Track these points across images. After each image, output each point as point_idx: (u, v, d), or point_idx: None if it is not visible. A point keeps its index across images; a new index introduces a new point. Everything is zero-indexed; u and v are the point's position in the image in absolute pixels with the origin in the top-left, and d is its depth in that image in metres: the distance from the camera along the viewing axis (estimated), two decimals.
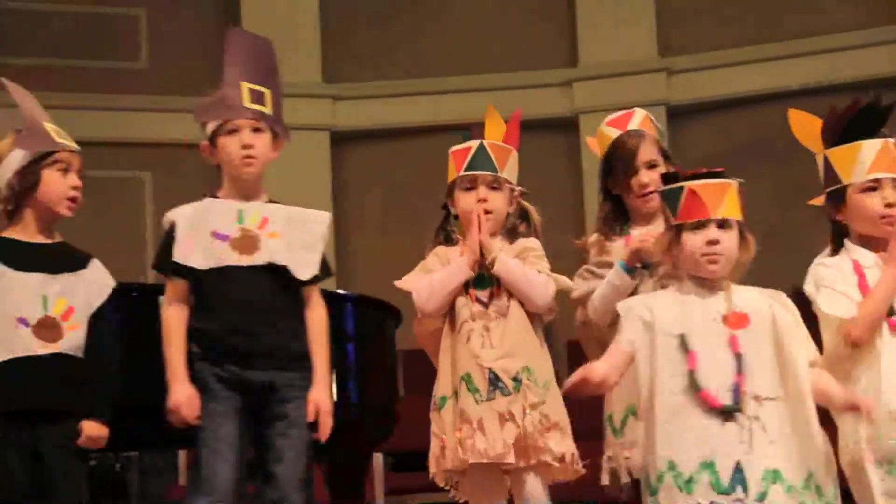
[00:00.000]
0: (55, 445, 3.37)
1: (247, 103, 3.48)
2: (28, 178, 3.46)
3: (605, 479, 3.68)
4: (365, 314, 4.35)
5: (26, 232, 3.47)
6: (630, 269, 3.62)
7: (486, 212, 3.69)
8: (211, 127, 3.52)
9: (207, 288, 3.45)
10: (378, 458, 5.46)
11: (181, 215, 3.49)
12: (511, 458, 3.52)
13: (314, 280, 3.55)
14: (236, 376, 3.41)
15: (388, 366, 4.45)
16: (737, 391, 3.02)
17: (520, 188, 3.76)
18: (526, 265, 3.64)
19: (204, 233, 3.45)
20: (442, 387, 3.65)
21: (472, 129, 3.83)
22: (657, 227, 3.55)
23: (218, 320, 3.43)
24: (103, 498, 6.14)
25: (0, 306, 3.35)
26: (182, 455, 6.33)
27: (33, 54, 7.78)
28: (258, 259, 3.45)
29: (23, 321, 3.35)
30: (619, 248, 3.72)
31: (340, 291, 4.47)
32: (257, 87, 3.53)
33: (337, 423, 4.19)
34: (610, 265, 3.68)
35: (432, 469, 3.71)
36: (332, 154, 8.23)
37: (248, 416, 3.43)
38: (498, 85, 8.08)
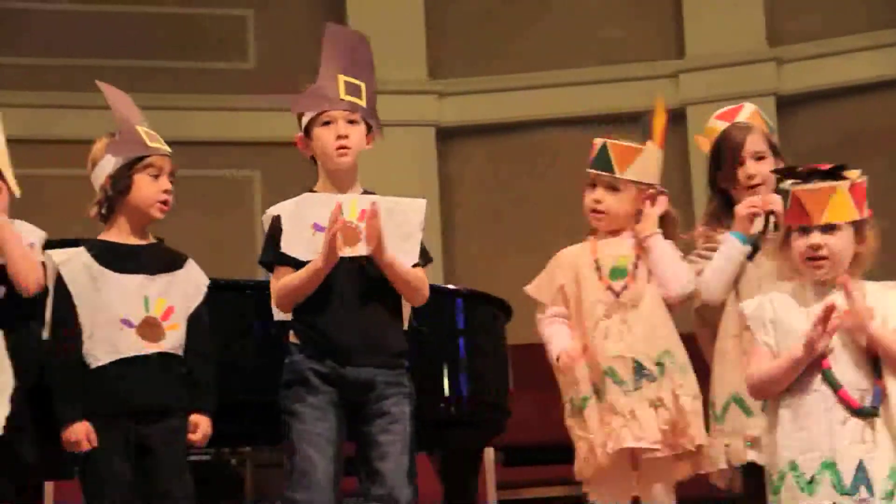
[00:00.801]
0: (164, 442, 3.41)
1: (343, 95, 3.51)
2: (120, 183, 3.52)
3: (709, 468, 3.67)
4: (475, 309, 4.34)
5: (122, 234, 3.52)
6: (744, 239, 3.62)
7: (600, 212, 3.75)
8: (306, 119, 3.55)
9: None
10: (489, 453, 5.46)
11: (283, 209, 3.52)
12: (662, 448, 3.56)
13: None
14: (334, 371, 3.42)
15: (498, 360, 4.44)
16: (878, 394, 2.99)
17: (652, 187, 3.75)
18: None
19: (305, 226, 3.47)
20: (582, 387, 3.66)
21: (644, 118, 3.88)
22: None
23: (318, 314, 3.44)
24: (219, 494, 6.21)
25: (103, 308, 3.39)
26: None
27: (142, 56, 7.89)
28: (360, 250, 3.46)
29: (127, 322, 3.40)
30: (724, 238, 3.71)
31: (451, 286, 4.46)
32: (353, 80, 3.54)
33: (449, 417, 4.22)
34: (716, 250, 3.68)
35: (581, 472, 3.73)
36: (438, 150, 8.23)
37: (346, 411, 3.44)
38: (604, 78, 8.04)
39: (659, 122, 3.88)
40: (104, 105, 3.64)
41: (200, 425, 3.47)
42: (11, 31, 7.95)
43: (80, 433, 3.37)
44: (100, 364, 3.39)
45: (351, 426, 3.46)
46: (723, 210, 3.80)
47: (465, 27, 8.33)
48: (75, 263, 3.42)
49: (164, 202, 3.50)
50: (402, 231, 3.52)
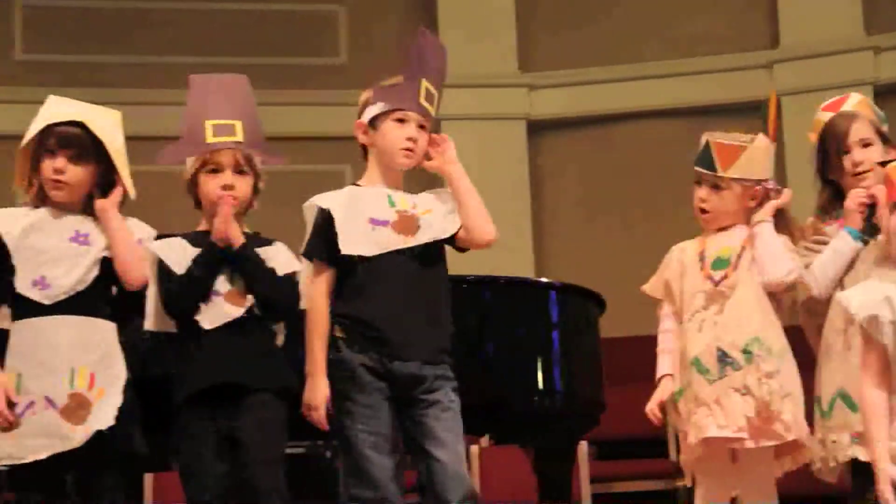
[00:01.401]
0: (254, 435, 3.40)
1: (422, 100, 3.52)
2: (191, 184, 3.55)
3: (815, 464, 3.63)
4: (569, 302, 4.33)
5: (212, 225, 3.54)
6: (855, 234, 3.59)
7: (704, 211, 3.75)
8: (376, 110, 3.53)
9: (363, 275, 3.45)
10: (582, 447, 5.45)
11: (334, 203, 3.50)
12: (748, 439, 3.54)
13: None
14: (383, 366, 3.41)
15: (592, 354, 4.43)
16: None
17: (762, 184, 3.72)
18: None
19: (360, 220, 3.47)
20: (677, 381, 3.68)
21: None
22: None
23: (365, 308, 3.43)
24: (312, 487, 6.25)
25: None
26: None
27: (236, 53, 7.97)
28: (421, 237, 3.47)
29: (215, 293, 3.43)
30: (833, 232, 3.68)
31: (545, 280, 4.45)
32: (432, 89, 3.55)
33: (543, 411, 4.22)
34: (825, 244, 3.65)
35: (684, 465, 3.75)
36: (529, 143, 8.22)
37: (396, 404, 3.43)
38: (696, 69, 7.98)
39: (771, 116, 3.84)
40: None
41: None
42: (118, 31, 8.09)
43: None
44: (189, 338, 3.43)
45: (402, 417, 3.44)
46: (833, 202, 3.76)
47: (556, 19, 8.31)
48: (172, 247, 3.48)
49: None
50: (451, 208, 3.52)
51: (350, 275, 3.47)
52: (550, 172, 8.27)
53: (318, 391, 3.38)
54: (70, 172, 3.44)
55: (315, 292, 3.46)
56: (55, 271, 3.38)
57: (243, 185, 3.50)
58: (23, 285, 3.37)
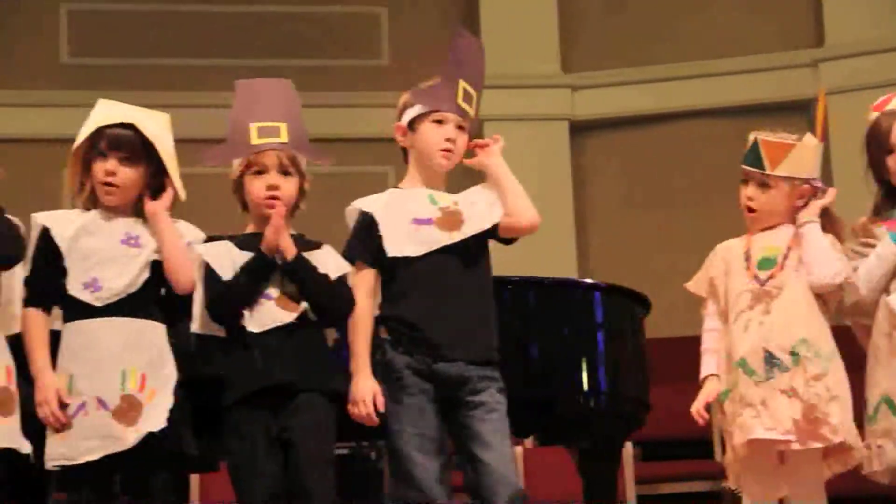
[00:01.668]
0: (306, 436, 3.40)
1: (460, 101, 3.54)
2: (237, 186, 3.57)
3: (865, 467, 3.61)
4: (614, 303, 4.31)
5: (257, 227, 3.55)
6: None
7: (751, 209, 3.73)
8: (414, 112, 3.56)
9: (407, 276, 3.47)
10: (628, 448, 5.44)
11: (376, 206, 3.53)
12: (794, 441, 3.52)
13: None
14: (427, 367, 3.42)
15: (637, 354, 4.42)
16: None
17: (810, 182, 3.70)
18: None
19: (404, 221, 3.49)
20: (722, 382, 3.68)
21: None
22: None
23: (410, 309, 3.45)
24: (357, 487, 6.26)
25: None
26: None
27: (278, 55, 8.01)
28: (467, 231, 3.49)
29: (266, 296, 3.44)
30: (881, 234, 3.67)
31: (589, 281, 4.44)
32: (470, 90, 3.58)
33: (588, 412, 4.20)
34: (872, 246, 3.64)
35: (729, 467, 3.74)
36: (571, 143, 8.21)
37: (442, 406, 3.44)
38: (740, 68, 7.95)
39: (820, 114, 3.83)
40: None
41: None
42: (163, 34, 8.14)
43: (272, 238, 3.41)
44: (239, 339, 3.42)
45: (449, 419, 3.45)
46: (885, 202, 3.74)
47: (598, 20, 8.30)
48: (218, 250, 3.49)
49: (270, 198, 3.51)
50: (491, 199, 3.55)
51: (394, 276, 3.49)
52: (593, 173, 8.25)
53: (362, 386, 3.39)
54: (121, 174, 3.45)
55: (357, 293, 3.48)
56: (106, 273, 3.40)
57: (288, 186, 3.51)
58: (74, 287, 3.39)
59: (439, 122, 3.52)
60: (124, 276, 3.40)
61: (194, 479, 5.61)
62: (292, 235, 3.55)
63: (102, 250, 3.42)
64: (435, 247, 3.48)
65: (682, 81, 8.04)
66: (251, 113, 3.57)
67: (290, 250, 3.44)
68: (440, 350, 3.43)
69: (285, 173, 3.51)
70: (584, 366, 4.19)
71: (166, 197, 3.48)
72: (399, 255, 3.46)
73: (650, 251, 7.70)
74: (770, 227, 3.75)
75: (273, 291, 3.44)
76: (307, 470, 3.37)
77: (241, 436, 3.39)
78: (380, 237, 3.47)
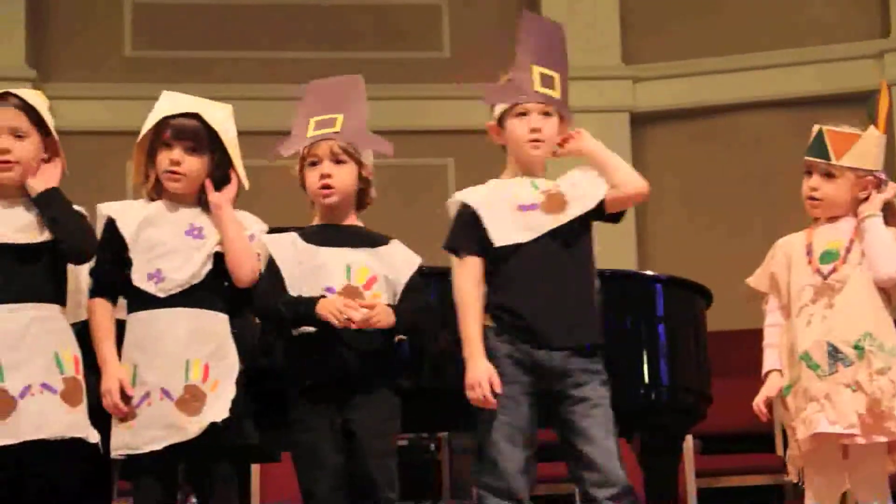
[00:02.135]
0: (369, 426, 3.41)
1: (537, 87, 3.53)
2: (301, 180, 3.59)
3: None
4: (675, 295, 4.30)
5: (323, 218, 3.58)
6: None
7: (816, 200, 3.71)
8: (500, 109, 3.57)
9: (512, 264, 3.48)
10: (688, 441, 5.41)
11: (477, 197, 3.54)
12: (859, 435, 3.50)
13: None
14: (529, 357, 3.43)
15: (698, 347, 4.40)
16: None
17: (873, 174, 3.68)
18: None
19: (507, 209, 3.51)
20: (785, 376, 3.66)
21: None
22: None
23: (515, 296, 3.46)
24: (416, 479, 6.28)
25: (309, 280, 3.45)
26: None
27: (339, 48, 8.04)
28: (571, 212, 3.51)
29: (330, 289, 3.44)
30: None
31: (650, 272, 4.42)
32: (548, 72, 3.56)
33: (649, 404, 4.19)
34: None
35: (791, 461, 3.73)
36: (633, 135, 8.17)
37: (540, 399, 3.45)
38: (805, 59, 7.87)
39: (882, 107, 3.79)
40: (301, 96, 3.71)
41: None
42: (226, 26, 8.20)
43: (332, 303, 3.39)
44: (306, 332, 3.43)
45: (551, 413, 3.46)
46: None
47: (659, 11, 8.25)
48: (283, 242, 3.50)
49: (324, 187, 3.53)
50: (596, 181, 3.57)
51: (499, 264, 3.50)
52: (654, 165, 8.19)
53: (478, 369, 3.39)
54: (187, 164, 3.48)
55: (464, 282, 3.49)
56: (170, 264, 3.42)
57: (341, 174, 3.52)
58: (139, 278, 3.42)
59: (522, 114, 3.53)
60: (188, 267, 3.43)
61: (255, 469, 5.65)
62: (360, 228, 3.57)
63: (166, 242, 3.45)
64: (542, 231, 3.49)
65: (745, 73, 7.98)
66: (312, 108, 3.62)
67: (366, 322, 3.39)
68: (543, 339, 3.44)
69: (338, 162, 3.52)
70: (645, 358, 4.18)
71: (230, 188, 3.51)
72: (507, 243, 3.48)
73: (711, 243, 7.66)
74: (831, 220, 3.72)
75: (337, 285, 3.45)
76: (370, 462, 3.39)
77: (305, 427, 3.41)
78: (484, 229, 3.49)
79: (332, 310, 3.37)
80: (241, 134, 3.58)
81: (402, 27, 8.35)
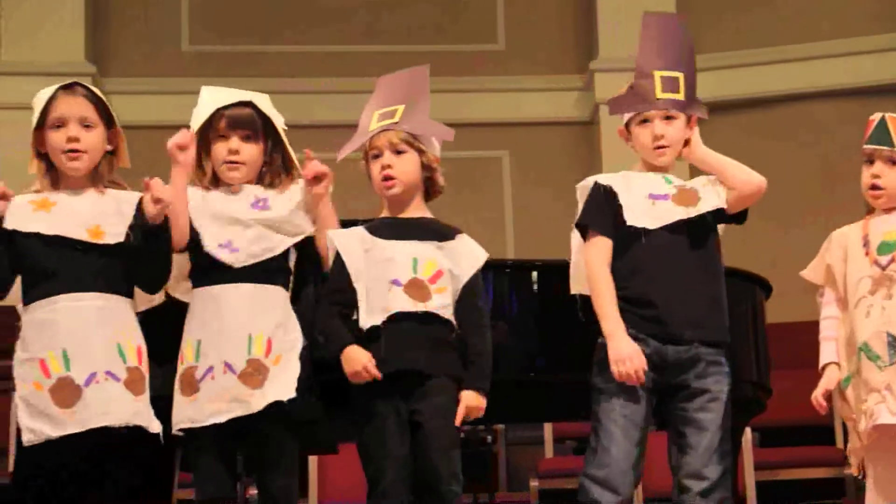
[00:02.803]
0: (434, 417, 3.40)
1: (659, 94, 3.55)
2: (367, 172, 3.61)
3: None
4: (734, 286, 4.27)
5: (391, 211, 3.59)
6: None
7: (878, 188, 3.69)
8: (626, 116, 3.61)
9: (641, 252, 3.49)
10: (746, 433, 5.38)
11: (613, 180, 3.57)
12: None
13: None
14: (656, 353, 3.44)
15: (757, 339, 4.37)
16: None
17: None
18: None
19: (640, 196, 3.53)
20: (843, 368, 3.64)
21: None
22: None
23: (643, 291, 3.47)
24: (471, 470, 6.29)
25: (375, 272, 3.46)
26: (548, 428, 6.41)
27: (394, 41, 8.05)
28: (703, 207, 3.53)
29: (396, 282, 3.45)
30: None
31: None
32: (670, 74, 3.57)
33: None
34: None
35: (852, 454, 3.71)
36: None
37: (659, 395, 3.46)
38: (860, 49, 7.78)
39: None
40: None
41: (464, 400, 3.44)
42: (283, 20, 8.24)
43: (356, 360, 3.40)
44: (372, 324, 3.43)
45: (667, 402, 3.48)
46: None
47: (714, 2, 8.19)
48: (350, 236, 3.52)
49: (385, 178, 3.53)
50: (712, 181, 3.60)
51: (627, 252, 3.51)
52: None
53: (625, 343, 3.40)
54: (245, 152, 3.51)
55: (595, 262, 3.50)
56: (242, 235, 3.45)
57: (402, 165, 3.53)
58: (211, 246, 3.44)
59: (645, 121, 3.56)
60: (262, 241, 3.46)
61: (312, 463, 5.69)
62: (428, 220, 3.57)
63: (235, 214, 3.47)
64: (671, 220, 3.50)
65: (801, 63, 7.90)
66: (376, 102, 3.64)
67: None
68: (672, 330, 3.44)
69: (398, 152, 3.53)
70: None
71: (328, 180, 3.52)
72: (637, 224, 3.48)
73: (766, 235, 7.60)
74: (887, 211, 3.69)
75: (403, 278, 3.45)
76: (435, 454, 3.38)
77: (370, 418, 3.41)
78: (619, 206, 3.51)
79: (355, 367, 3.38)
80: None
81: (458, 20, 8.34)
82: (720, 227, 3.62)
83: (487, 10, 8.37)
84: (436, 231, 3.55)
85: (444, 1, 8.38)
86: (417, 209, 3.58)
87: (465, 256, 3.54)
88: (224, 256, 3.43)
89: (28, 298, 3.33)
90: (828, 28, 7.92)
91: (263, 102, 3.56)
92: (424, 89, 3.62)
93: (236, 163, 3.51)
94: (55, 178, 3.42)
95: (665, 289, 3.45)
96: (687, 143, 3.61)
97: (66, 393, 3.23)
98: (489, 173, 8.02)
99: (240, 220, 3.47)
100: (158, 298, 3.49)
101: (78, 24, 7.88)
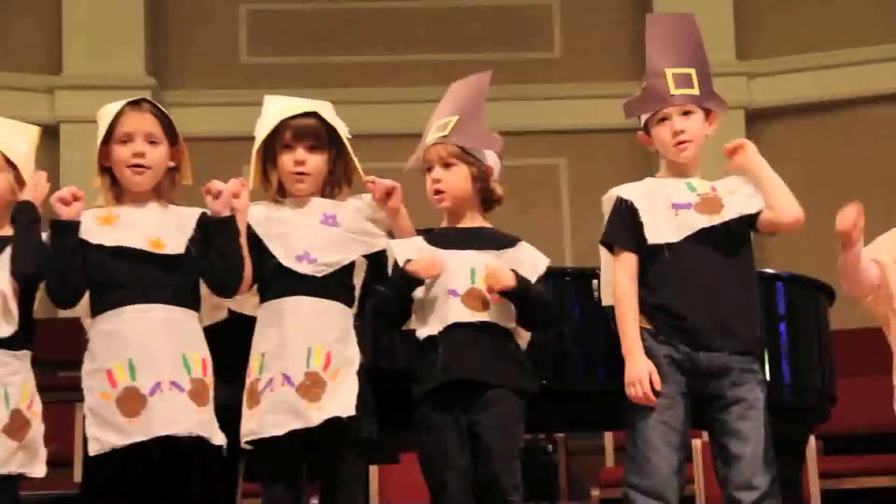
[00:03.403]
0: (493, 428, 3.39)
1: (673, 90, 3.54)
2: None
3: None
4: (797, 293, 4.24)
5: (450, 221, 3.59)
6: None
7: None
8: (644, 118, 3.60)
9: (669, 263, 3.48)
10: (811, 441, 5.32)
11: (635, 193, 3.55)
12: None
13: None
14: (687, 358, 3.43)
15: (821, 346, 4.32)
16: None
17: None
18: None
19: (662, 206, 3.51)
20: None
21: None
22: None
23: (673, 297, 3.46)
24: (532, 479, 6.27)
25: (433, 282, 3.45)
26: (608, 437, 6.38)
27: (450, 49, 8.06)
28: (727, 214, 3.50)
29: (453, 292, 3.44)
30: None
31: (771, 271, 4.36)
32: (682, 71, 3.56)
33: (771, 403, 4.13)
34: None
35: None
36: (748, 132, 8.06)
37: (693, 400, 3.44)
38: None
39: None
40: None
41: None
42: (339, 31, 8.27)
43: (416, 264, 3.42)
44: (428, 335, 3.43)
45: (703, 413, 3.46)
46: None
47: (774, 6, 8.14)
48: (409, 246, 3.51)
49: (435, 192, 3.54)
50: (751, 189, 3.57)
51: (654, 263, 3.50)
52: (771, 161, 8.07)
53: (638, 365, 3.40)
54: (311, 163, 3.51)
55: (621, 278, 3.50)
56: (316, 246, 3.45)
57: (451, 178, 3.52)
58: (287, 259, 3.44)
59: (663, 119, 3.54)
60: (337, 253, 3.46)
61: (374, 472, 5.69)
62: (487, 230, 3.57)
63: (304, 228, 3.48)
64: (693, 230, 3.48)
65: (862, 66, 7.83)
66: (436, 113, 3.64)
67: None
68: (702, 339, 3.43)
69: (447, 165, 3.53)
70: (767, 357, 4.12)
71: (397, 193, 3.50)
72: (660, 241, 3.48)
73: (831, 240, 7.52)
74: None
75: (461, 288, 3.44)
76: (495, 465, 3.37)
77: (431, 429, 3.41)
78: (641, 224, 3.50)
79: (417, 267, 3.40)
80: (359, 137, 3.60)
81: (513, 28, 8.34)
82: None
83: (543, 18, 8.36)
84: (494, 240, 3.54)
85: (500, 10, 8.38)
86: (474, 219, 3.57)
87: (525, 264, 3.52)
88: (303, 268, 3.44)
89: (95, 310, 3.36)
90: (886, 31, 7.85)
91: (328, 111, 3.56)
92: (480, 98, 3.61)
93: (303, 174, 3.51)
94: (119, 192, 3.44)
95: (692, 299, 3.44)
96: (735, 151, 3.55)
97: (132, 403, 3.25)
98: (546, 181, 8.00)
99: (311, 234, 3.47)
100: (221, 314, 3.50)
101: (138, 39, 7.96)
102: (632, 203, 3.52)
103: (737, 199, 3.53)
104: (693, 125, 3.54)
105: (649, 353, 3.43)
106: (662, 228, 3.48)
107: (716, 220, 3.49)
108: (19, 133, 3.52)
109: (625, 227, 3.51)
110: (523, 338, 3.52)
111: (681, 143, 3.52)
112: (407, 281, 3.44)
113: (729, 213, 3.50)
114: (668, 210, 3.49)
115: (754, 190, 3.55)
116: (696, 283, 3.45)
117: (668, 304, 3.45)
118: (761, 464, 3.39)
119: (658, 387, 3.38)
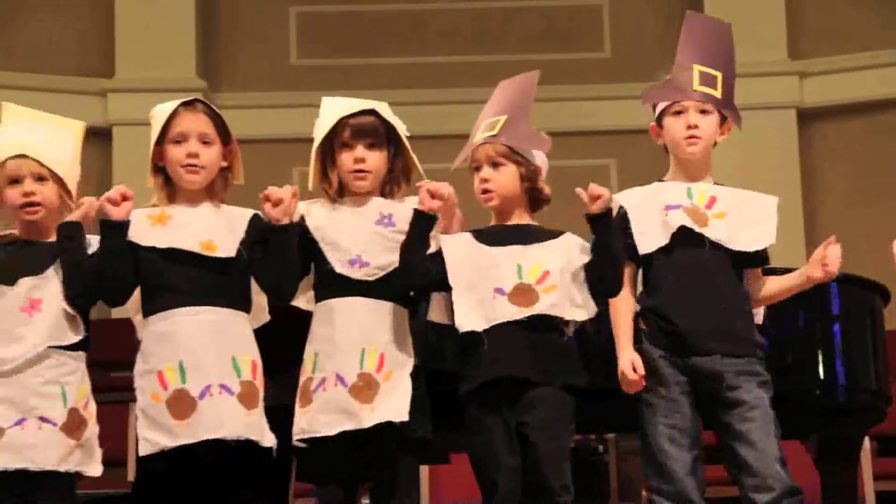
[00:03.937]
0: (542, 429, 3.39)
1: (696, 86, 3.52)
2: None
3: None
4: (851, 293, 4.20)
5: (497, 220, 3.60)
6: None
7: None
8: (659, 108, 3.57)
9: (661, 267, 3.49)
10: (865, 443, 5.28)
11: (631, 201, 3.55)
12: None
13: (759, 256, 3.55)
14: (682, 361, 3.43)
15: (876, 346, 4.29)
16: None
17: None
18: None
19: (656, 211, 3.50)
20: None
21: None
22: None
23: (664, 302, 3.46)
24: (583, 480, 6.26)
25: (479, 280, 3.45)
26: None
27: (500, 50, 8.07)
28: (708, 233, 3.49)
29: (500, 290, 3.44)
30: None
31: None
32: (709, 71, 3.54)
33: (825, 405, 4.11)
34: None
35: None
36: (800, 132, 8.03)
37: (699, 399, 3.44)
38: None
39: None
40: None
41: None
42: (388, 33, 8.30)
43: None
44: (471, 328, 3.42)
45: (709, 415, 3.45)
46: None
47: (825, 4, 8.08)
48: (457, 242, 3.52)
49: (483, 191, 3.54)
50: (753, 217, 3.55)
51: (649, 268, 3.51)
52: (822, 161, 8.06)
53: (623, 358, 3.43)
54: (370, 160, 3.52)
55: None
56: (369, 249, 3.46)
57: (499, 178, 3.53)
58: (340, 265, 3.45)
59: (679, 112, 3.52)
60: (391, 254, 3.46)
61: (424, 472, 5.70)
62: (531, 226, 3.55)
63: (361, 230, 3.49)
64: (675, 228, 3.48)
65: None
66: (484, 112, 3.64)
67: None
68: (693, 342, 3.42)
69: (495, 165, 3.53)
70: (821, 358, 4.10)
71: (450, 193, 3.49)
72: (650, 250, 3.49)
73: (884, 240, 7.45)
74: None
75: (507, 286, 3.44)
76: (544, 466, 3.36)
77: (480, 428, 3.41)
78: (631, 234, 3.50)
79: (441, 189, 3.42)
80: (410, 138, 3.61)
81: (563, 28, 8.33)
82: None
83: (593, 18, 8.35)
84: (539, 234, 3.54)
85: (549, 10, 8.38)
86: (522, 218, 3.57)
87: (574, 248, 3.50)
88: (355, 273, 3.44)
89: (147, 310, 3.39)
90: None
91: (385, 110, 3.58)
92: (528, 98, 3.61)
93: (363, 171, 3.51)
94: (172, 192, 3.47)
95: (685, 303, 3.45)
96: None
97: (182, 405, 3.28)
98: (596, 181, 7.95)
99: (365, 237, 3.48)
100: (264, 317, 3.51)
101: (189, 41, 8.02)
102: (626, 212, 3.52)
103: (725, 226, 3.51)
104: (707, 125, 3.53)
105: (645, 354, 3.44)
106: (653, 234, 3.48)
107: (697, 228, 3.49)
108: (60, 136, 3.50)
109: (620, 237, 3.49)
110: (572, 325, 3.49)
111: (692, 137, 3.51)
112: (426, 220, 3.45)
113: (711, 233, 3.49)
114: (660, 213, 3.49)
115: (771, 228, 3.56)
116: (688, 287, 3.45)
117: (661, 308, 3.46)
118: (773, 465, 3.37)
119: (641, 370, 3.40)
